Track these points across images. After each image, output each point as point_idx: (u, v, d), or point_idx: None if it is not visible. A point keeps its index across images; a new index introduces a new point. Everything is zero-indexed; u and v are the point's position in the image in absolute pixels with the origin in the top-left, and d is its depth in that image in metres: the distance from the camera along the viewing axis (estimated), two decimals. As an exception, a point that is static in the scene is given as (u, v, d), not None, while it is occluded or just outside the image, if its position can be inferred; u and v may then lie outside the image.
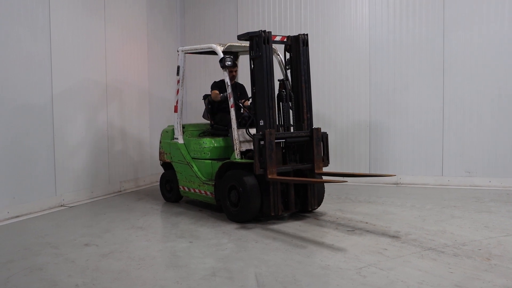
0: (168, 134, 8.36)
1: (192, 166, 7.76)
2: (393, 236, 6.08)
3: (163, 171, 8.69)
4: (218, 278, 4.79)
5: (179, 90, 8.07)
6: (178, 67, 8.08)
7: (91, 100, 8.71)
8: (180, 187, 8.05)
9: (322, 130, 7.19)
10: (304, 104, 7.09)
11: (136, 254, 5.54)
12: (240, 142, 7.10)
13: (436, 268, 4.96)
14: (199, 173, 7.68)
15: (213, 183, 7.29)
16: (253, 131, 7.08)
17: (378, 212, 7.39)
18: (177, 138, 8.11)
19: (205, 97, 8.31)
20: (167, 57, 10.84)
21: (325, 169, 7.30)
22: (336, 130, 10.06)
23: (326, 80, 10.12)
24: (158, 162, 10.42)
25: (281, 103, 7.06)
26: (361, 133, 9.92)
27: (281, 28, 10.32)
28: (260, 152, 6.57)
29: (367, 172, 9.87)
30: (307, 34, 7.21)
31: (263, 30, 6.72)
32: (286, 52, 7.27)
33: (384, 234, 6.20)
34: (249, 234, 6.33)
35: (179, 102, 8.10)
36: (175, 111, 8.13)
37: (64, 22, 8.13)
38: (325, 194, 7.73)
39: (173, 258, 5.42)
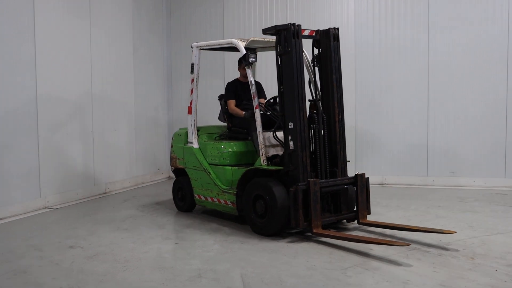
0: (180, 138, 7.73)
1: (209, 173, 7.10)
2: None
3: (175, 177, 8.09)
4: (204, 280, 4.79)
5: (194, 90, 7.44)
6: (192, 65, 7.48)
7: (76, 102, 8.66)
8: (195, 195, 7.41)
9: None
10: (336, 105, 6.50)
11: (122, 256, 5.52)
12: (265, 146, 6.47)
13: (421, 267, 5.00)
14: (217, 180, 7.00)
15: (235, 192, 6.65)
16: (277, 134, 6.56)
17: (364, 212, 7.41)
18: (191, 142, 7.45)
19: (221, 97, 7.68)
20: (153, 58, 10.81)
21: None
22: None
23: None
24: (144, 164, 10.43)
25: (312, 125, 6.42)
26: (346, 133, 9.92)
27: (260, 28, 10.30)
28: (302, 202, 5.89)
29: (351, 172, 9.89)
30: (338, 28, 6.63)
31: (291, 23, 6.17)
32: (314, 48, 6.72)
33: (370, 234, 6.23)
34: (236, 235, 6.33)
35: (193, 102, 7.43)
36: (189, 112, 7.47)
37: (49, 24, 8.07)
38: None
39: (159, 260, 5.40)
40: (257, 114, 6.40)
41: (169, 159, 11.15)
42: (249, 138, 7.05)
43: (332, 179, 6.34)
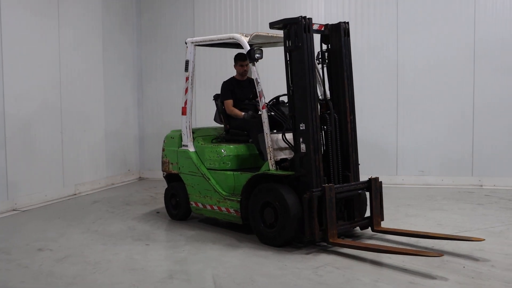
0: (173, 141, 7.21)
1: (208, 178, 6.61)
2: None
3: (166, 183, 7.48)
4: (175, 281, 4.77)
5: (188, 89, 6.97)
6: (187, 62, 7.00)
7: (44, 102, 8.53)
8: (191, 203, 6.90)
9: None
10: (347, 105, 6.08)
11: (92, 258, 5.46)
12: (273, 149, 5.96)
13: (391, 265, 5.06)
14: (218, 187, 6.53)
15: (239, 199, 6.18)
16: (287, 136, 6.04)
17: (335, 211, 7.45)
18: (186, 146, 6.95)
19: (216, 97, 7.28)
20: (123, 59, 10.71)
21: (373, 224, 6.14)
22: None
23: (283, 84, 10.12)
24: (115, 165, 10.33)
25: (323, 126, 6.02)
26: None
27: (238, 28, 10.32)
28: (317, 210, 5.45)
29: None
30: (348, 22, 6.24)
31: (302, 16, 5.76)
32: (322, 44, 6.26)
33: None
34: (207, 236, 6.32)
35: (188, 102, 6.96)
36: (183, 113, 6.98)
37: (16, 24, 7.94)
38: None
39: (129, 262, 5.36)
40: (265, 114, 5.92)
41: (140, 160, 11.10)
42: (250, 140, 6.68)
43: (346, 184, 5.91)
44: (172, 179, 7.31)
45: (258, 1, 10.28)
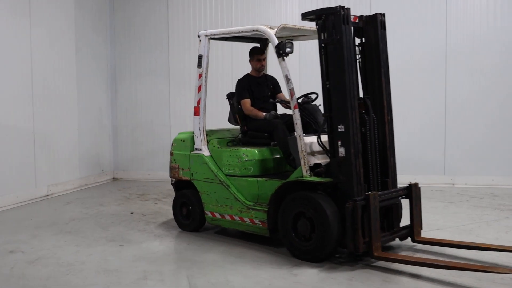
0: (184, 144, 6.57)
1: (228, 186, 6.04)
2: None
3: (174, 190, 6.89)
4: (149, 282, 4.75)
5: (202, 87, 6.37)
6: (200, 57, 6.36)
7: (16, 103, 8.42)
8: (207, 212, 6.29)
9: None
10: (385, 104, 5.63)
11: (65, 260, 5.40)
12: (307, 154, 5.37)
13: (365, 264, 5.10)
14: (239, 195, 5.95)
15: (266, 209, 5.59)
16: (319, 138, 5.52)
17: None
18: (199, 149, 6.36)
19: (231, 96, 6.74)
20: (97, 58, 10.61)
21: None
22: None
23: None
24: (88, 165, 10.23)
25: (362, 128, 5.37)
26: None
27: (212, 27, 10.30)
28: (361, 221, 4.93)
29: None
30: (384, 14, 5.72)
31: (340, 6, 5.19)
32: (355, 38, 5.65)
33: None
34: (181, 236, 6.29)
35: (201, 102, 6.37)
36: (196, 113, 6.37)
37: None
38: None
39: (103, 263, 5.32)
40: (297, 115, 5.38)
41: (113, 161, 11.02)
42: (272, 143, 6.11)
43: (387, 191, 5.39)
44: (182, 186, 6.69)
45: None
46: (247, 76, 6.64)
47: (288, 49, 5.41)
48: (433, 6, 9.36)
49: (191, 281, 4.75)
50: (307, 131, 5.67)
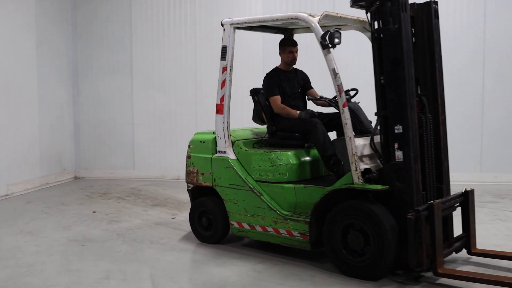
0: (204, 146, 5.90)
1: (259, 193, 5.39)
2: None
3: (190, 197, 6.19)
4: (112, 281, 4.72)
5: (226, 81, 5.71)
6: (224, 48, 5.72)
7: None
8: (232, 223, 5.62)
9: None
10: (439, 102, 5.05)
11: (25, 261, 5.31)
12: (358, 158, 4.76)
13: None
14: (273, 203, 5.32)
15: (307, 219, 4.99)
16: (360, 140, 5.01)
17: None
18: (223, 152, 5.70)
19: (255, 92, 6.08)
20: (58, 54, 10.43)
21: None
22: (230, 125, 10.10)
23: (215, 77, 10.12)
24: (49, 164, 10.06)
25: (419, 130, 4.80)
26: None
27: (176, 23, 10.25)
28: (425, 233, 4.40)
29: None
30: (437, 2, 5.07)
31: None
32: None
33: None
34: (145, 235, 6.26)
35: (226, 99, 5.72)
36: (219, 112, 5.74)
37: None
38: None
39: (64, 263, 5.25)
40: (347, 114, 4.78)
41: (75, 159, 10.86)
42: (306, 145, 5.58)
43: (445, 199, 4.83)
44: (201, 193, 6.02)
45: (197, -7, 10.25)
46: (276, 70, 5.99)
47: (336, 40, 4.81)
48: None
49: (154, 280, 4.73)
50: (341, 130, 5.21)
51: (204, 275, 4.85)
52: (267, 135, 5.95)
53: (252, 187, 5.44)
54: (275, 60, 6.31)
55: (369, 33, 5.15)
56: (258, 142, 5.86)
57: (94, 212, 7.56)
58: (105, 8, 10.74)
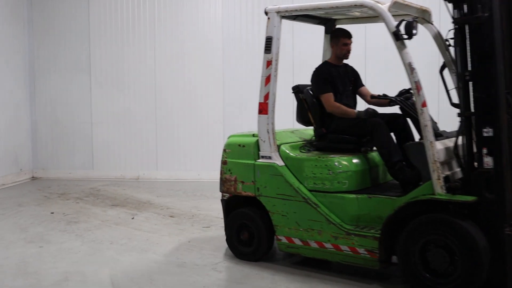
0: (244, 150, 5.24)
1: (316, 205, 4.75)
2: None
3: (223, 207, 5.51)
4: (71, 283, 4.68)
5: (271, 77, 5.02)
6: (269, 39, 4.99)
7: None
8: (279, 238, 4.99)
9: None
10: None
11: (-20, 263, 5.22)
12: (440, 165, 4.22)
13: (289, 259, 5.22)
14: (333, 216, 4.70)
15: (376, 234, 4.41)
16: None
17: (233, 207, 7.55)
18: (268, 157, 5.03)
19: (299, 90, 5.48)
20: (14, 52, 10.21)
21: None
22: (191, 125, 10.11)
23: (180, 74, 10.13)
24: (5, 165, 9.85)
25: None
26: (215, 128, 10.07)
27: (135, 21, 10.17)
28: None
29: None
30: None
31: None
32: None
33: None
34: (104, 236, 6.20)
35: (270, 97, 5.04)
36: (263, 111, 5.07)
37: None
38: (174, 191, 7.60)
39: (21, 265, 5.16)
40: (427, 115, 4.25)
41: (32, 159, 10.66)
42: (363, 149, 5.04)
43: None
44: (239, 203, 5.36)
45: (156, -6, 10.19)
46: (327, 64, 5.39)
47: (415, 31, 4.23)
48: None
49: (114, 281, 4.70)
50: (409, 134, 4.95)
51: (165, 275, 4.84)
52: (313, 137, 5.37)
53: (306, 197, 4.79)
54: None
55: (429, 24, 4.94)
56: (304, 146, 5.20)
57: (52, 213, 7.45)
58: (63, 5, 10.57)
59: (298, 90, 5.48)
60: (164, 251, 5.55)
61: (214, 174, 9.86)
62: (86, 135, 10.44)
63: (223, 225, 6.46)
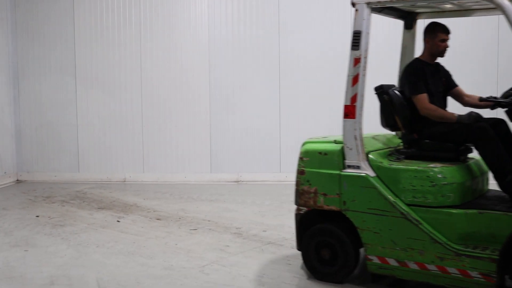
0: (326, 159, 4.64)
1: (416, 221, 4.21)
2: (235, 233, 6.25)
3: (297, 221, 4.91)
4: (57, 287, 4.63)
5: (359, 76, 4.47)
6: (357, 35, 4.44)
7: None
8: (371, 257, 4.43)
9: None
10: None
11: (-36, 268, 5.15)
12: None
13: (276, 261, 5.21)
14: (438, 234, 4.16)
15: (493, 256, 3.90)
16: None
17: (220, 209, 7.55)
18: (356, 166, 4.49)
19: (383, 90, 4.83)
20: (-4, 54, 10.15)
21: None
22: (177, 128, 10.08)
23: (166, 76, 10.08)
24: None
25: None
26: (202, 130, 10.04)
27: (120, 21, 10.11)
28: None
29: (208, 170, 10.00)
30: None
31: None
32: None
33: (226, 231, 6.36)
34: (90, 239, 6.15)
35: (358, 99, 4.49)
36: (350, 115, 4.51)
37: None
38: (161, 194, 7.56)
39: (6, 270, 5.10)
40: None
41: (17, 162, 10.56)
42: (462, 157, 4.51)
43: None
44: (319, 218, 4.80)
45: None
46: (419, 62, 4.84)
47: None
48: (339, 6, 9.63)
49: (100, 284, 4.66)
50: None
51: (152, 278, 4.81)
52: (400, 144, 4.89)
53: (405, 213, 4.25)
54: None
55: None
56: (391, 154, 4.66)
57: (37, 216, 7.37)
58: (47, 7, 10.49)
59: (382, 90, 4.83)
60: (151, 254, 5.51)
61: (200, 176, 9.97)
62: (72, 137, 10.35)
63: (210, 227, 6.53)
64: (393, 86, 4.91)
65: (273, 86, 9.88)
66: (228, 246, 5.71)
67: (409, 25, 5.21)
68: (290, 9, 9.76)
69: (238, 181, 9.96)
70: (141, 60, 10.08)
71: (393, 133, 5.16)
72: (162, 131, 10.05)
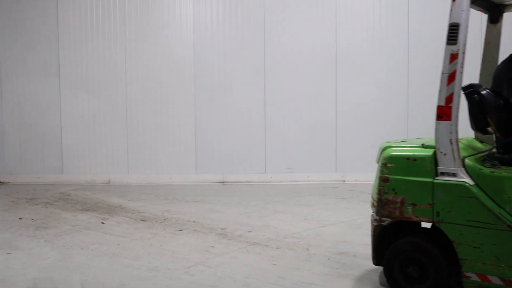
0: (416, 165, 4.20)
1: None
2: (220, 234, 6.24)
3: (374, 232, 4.43)
4: (40, 289, 4.59)
5: (457, 73, 3.98)
6: (455, 28, 3.95)
7: None
8: (469, 275, 4.00)
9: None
10: None
11: None
12: None
13: (261, 261, 5.20)
14: None
15: None
16: None
17: (205, 210, 7.53)
18: (452, 174, 4.04)
19: (473, 90, 4.28)
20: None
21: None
22: (162, 129, 10.04)
23: (150, 77, 10.04)
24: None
25: None
26: (186, 131, 10.01)
27: (105, 22, 10.05)
28: None
29: (193, 171, 9.98)
30: None
31: None
32: None
33: (211, 232, 6.35)
34: (74, 241, 6.10)
35: (455, 99, 4.00)
36: (445, 117, 4.05)
37: None
38: (146, 195, 7.50)
39: (-11, 272, 5.06)
40: None
41: (0, 163, 10.46)
42: None
43: None
44: (403, 231, 4.40)
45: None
46: None
47: None
48: (324, 7, 9.66)
49: (85, 286, 4.63)
50: None
51: (136, 279, 4.78)
52: (494, 148, 4.51)
53: None
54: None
55: None
56: (485, 160, 4.17)
57: (20, 218, 7.30)
58: (30, 8, 10.40)
59: (472, 90, 4.29)
60: (135, 255, 5.48)
61: (185, 178, 9.95)
62: (56, 138, 10.27)
63: (195, 228, 6.51)
64: (480, 85, 4.46)
65: (258, 87, 9.88)
66: (213, 247, 5.70)
67: (495, 19, 4.75)
68: (275, 10, 9.78)
69: (223, 182, 9.94)
70: (125, 61, 10.03)
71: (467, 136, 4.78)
72: (147, 132, 10.00)
